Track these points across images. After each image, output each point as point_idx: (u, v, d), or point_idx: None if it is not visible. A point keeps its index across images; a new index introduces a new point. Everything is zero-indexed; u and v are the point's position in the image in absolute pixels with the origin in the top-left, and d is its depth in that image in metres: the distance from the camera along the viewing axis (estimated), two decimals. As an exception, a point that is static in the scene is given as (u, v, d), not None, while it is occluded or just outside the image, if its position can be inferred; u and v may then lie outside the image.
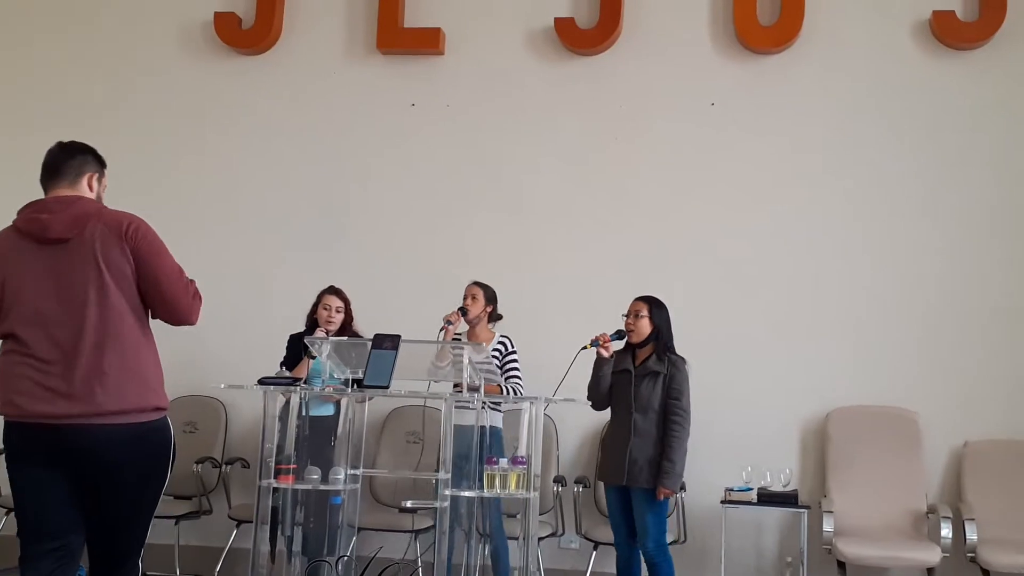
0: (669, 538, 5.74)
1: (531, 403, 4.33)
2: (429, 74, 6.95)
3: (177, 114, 7.11)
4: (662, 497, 4.99)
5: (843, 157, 6.48)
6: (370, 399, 4.59)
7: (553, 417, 6.15)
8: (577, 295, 6.49)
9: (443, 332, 5.33)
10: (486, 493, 4.15)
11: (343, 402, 4.68)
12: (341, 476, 4.19)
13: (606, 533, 5.72)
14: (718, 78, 6.64)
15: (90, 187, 3.42)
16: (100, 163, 3.49)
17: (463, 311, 5.59)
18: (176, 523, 6.17)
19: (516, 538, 4.97)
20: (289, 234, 6.95)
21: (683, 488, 5.88)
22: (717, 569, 5.80)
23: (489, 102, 6.87)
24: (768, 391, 6.29)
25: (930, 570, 5.60)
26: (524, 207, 6.72)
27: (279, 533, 4.35)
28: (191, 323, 3.38)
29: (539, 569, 5.81)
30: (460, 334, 5.61)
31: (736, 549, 6.01)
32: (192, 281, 3.38)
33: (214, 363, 6.50)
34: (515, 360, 5.59)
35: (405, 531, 5.94)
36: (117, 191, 6.82)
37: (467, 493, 4.26)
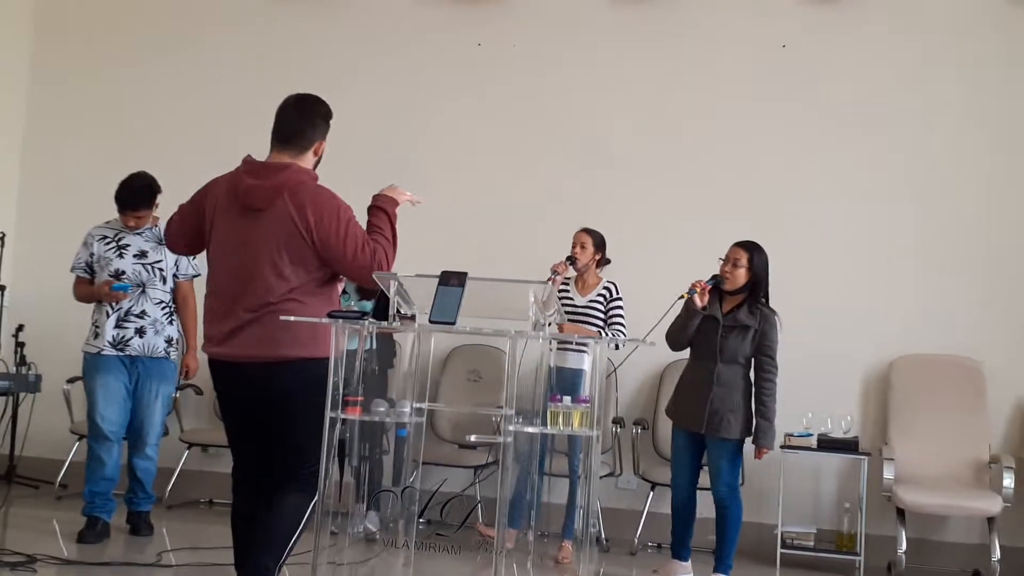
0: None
1: (595, 342, 4.36)
2: (496, 14, 6.91)
3: (247, 56, 7.13)
4: (761, 457, 5.09)
5: (914, 102, 6.38)
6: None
7: (612, 359, 6.18)
8: (643, 241, 6.45)
9: (550, 282, 5.33)
10: (548, 430, 4.19)
11: (403, 338, 4.74)
12: (407, 409, 4.25)
13: (663, 474, 5.77)
14: (790, 20, 6.54)
15: (315, 153, 3.58)
16: (328, 123, 3.62)
17: (572, 260, 5.64)
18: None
19: (578, 476, 5.02)
20: (357, 175, 6.87)
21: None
22: (775, 513, 5.83)
23: (556, 43, 6.82)
24: (831, 338, 6.26)
25: (991, 519, 5.59)
26: (590, 149, 6.69)
27: (346, 463, 4.44)
28: (368, 284, 3.65)
29: (598, 508, 5.87)
30: (568, 279, 5.68)
31: (794, 494, 6.03)
32: (376, 246, 3.55)
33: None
34: (619, 306, 5.65)
35: (466, 466, 6.06)
36: (188, 138, 6.95)
37: (530, 429, 4.31)
